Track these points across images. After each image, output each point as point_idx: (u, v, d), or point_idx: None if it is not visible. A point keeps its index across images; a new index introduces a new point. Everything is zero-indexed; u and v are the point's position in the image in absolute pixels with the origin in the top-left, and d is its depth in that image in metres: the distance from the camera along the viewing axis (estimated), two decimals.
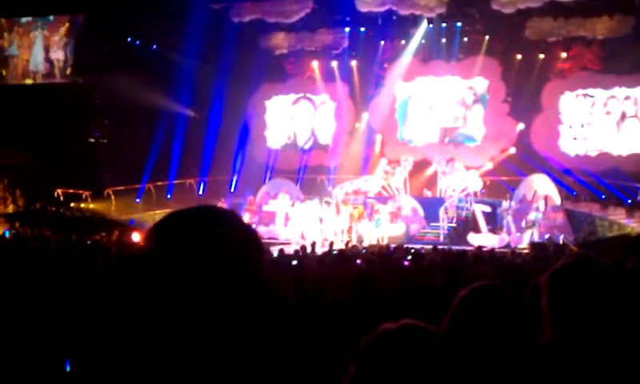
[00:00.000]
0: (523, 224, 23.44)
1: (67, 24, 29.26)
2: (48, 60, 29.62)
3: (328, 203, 25.34)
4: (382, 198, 26.01)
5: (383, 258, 11.00)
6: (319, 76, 29.83)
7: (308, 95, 30.22)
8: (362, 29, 28.73)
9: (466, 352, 2.07)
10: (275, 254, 13.15)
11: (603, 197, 24.35)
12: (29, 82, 29.76)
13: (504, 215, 23.87)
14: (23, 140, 25.26)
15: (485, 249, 14.74)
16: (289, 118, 30.38)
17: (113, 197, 26.61)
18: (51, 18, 29.62)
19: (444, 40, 28.22)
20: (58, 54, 29.45)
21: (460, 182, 25.81)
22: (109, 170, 27.32)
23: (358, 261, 10.76)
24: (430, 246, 16.37)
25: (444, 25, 27.75)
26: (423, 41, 28.32)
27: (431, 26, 27.84)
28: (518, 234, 23.17)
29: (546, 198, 23.91)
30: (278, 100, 30.34)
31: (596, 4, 24.76)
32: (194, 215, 1.54)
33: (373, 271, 8.56)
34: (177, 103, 27.46)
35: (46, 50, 29.60)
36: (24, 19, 29.81)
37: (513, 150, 27.10)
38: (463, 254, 12.19)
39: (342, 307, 5.61)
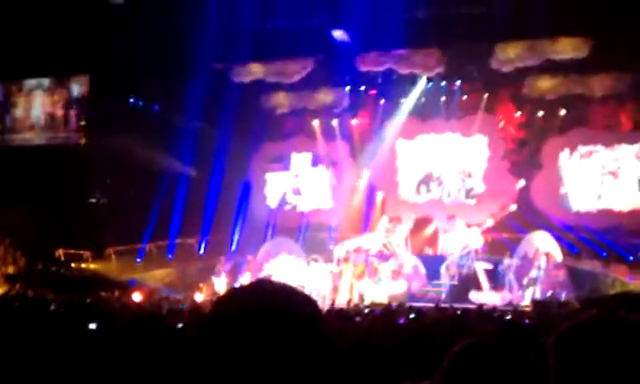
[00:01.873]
0: (525, 281, 23.40)
1: (70, 83, 29.46)
2: (49, 118, 29.76)
3: (315, 260, 25.38)
4: (383, 256, 26.00)
5: (385, 316, 10.96)
6: (320, 135, 29.97)
7: (308, 158, 30.32)
8: (362, 88, 28.92)
9: None
10: None
11: (605, 254, 24.23)
12: (30, 136, 29.87)
13: (505, 273, 23.82)
14: (25, 200, 25.31)
15: (486, 307, 14.70)
16: (290, 176, 30.50)
17: (114, 257, 26.61)
18: (47, 80, 29.83)
19: (443, 98, 28.41)
20: (59, 113, 29.61)
21: (461, 240, 25.85)
22: (110, 230, 27.31)
23: (359, 319, 10.72)
24: (432, 305, 16.32)
25: (443, 83, 27.97)
26: (423, 99, 28.51)
27: (430, 84, 28.06)
28: (520, 292, 23.11)
29: (547, 255, 23.89)
30: (280, 158, 30.51)
31: (594, 62, 24.94)
32: (253, 292, 1.58)
33: (375, 330, 8.52)
34: (178, 163, 27.58)
35: (47, 108, 29.75)
36: (28, 82, 30.05)
37: (513, 207, 27.08)
38: (466, 312, 12.15)
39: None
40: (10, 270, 24.34)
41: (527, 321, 11.54)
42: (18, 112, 30.06)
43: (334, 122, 29.74)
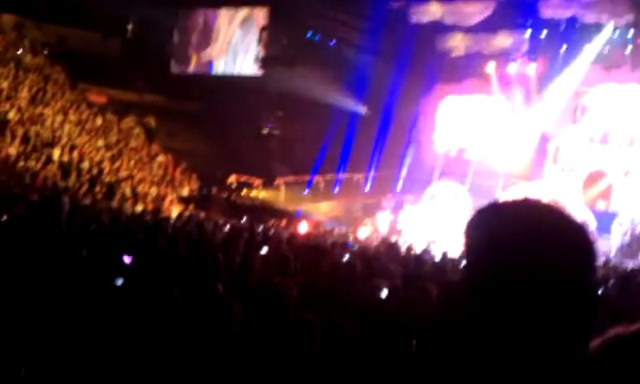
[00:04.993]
0: None
1: (252, 15, 30.24)
2: (230, 48, 30.72)
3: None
4: None
5: None
6: (495, 79, 29.25)
7: (482, 97, 29.69)
8: (544, 33, 27.91)
9: None
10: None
11: None
12: (208, 62, 31.00)
13: None
14: (202, 126, 26.33)
15: None
16: (460, 120, 30.02)
17: (283, 187, 27.33)
18: (229, 11, 30.72)
19: (630, 47, 26.98)
20: (238, 44, 30.49)
21: (636, 197, 24.76)
22: (280, 160, 28.03)
23: None
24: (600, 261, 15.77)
25: (631, 31, 26.53)
26: (607, 47, 27.21)
27: (617, 32, 26.71)
28: None
29: None
30: (451, 101, 30.02)
31: None
32: (522, 210, 1.40)
33: None
34: (350, 99, 27.79)
35: (228, 38, 30.72)
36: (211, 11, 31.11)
37: None
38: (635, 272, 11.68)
39: None
40: (185, 192, 25.44)
41: None
42: (198, 40, 31.23)
43: (511, 67, 28.92)
